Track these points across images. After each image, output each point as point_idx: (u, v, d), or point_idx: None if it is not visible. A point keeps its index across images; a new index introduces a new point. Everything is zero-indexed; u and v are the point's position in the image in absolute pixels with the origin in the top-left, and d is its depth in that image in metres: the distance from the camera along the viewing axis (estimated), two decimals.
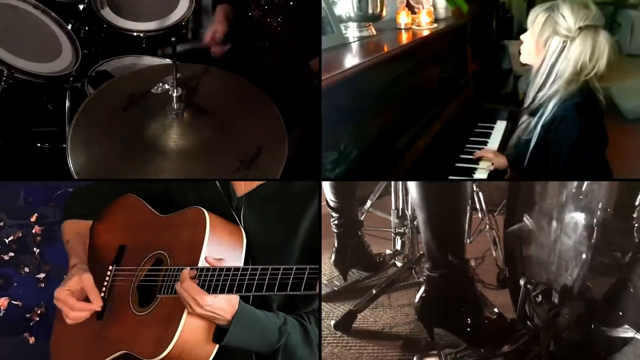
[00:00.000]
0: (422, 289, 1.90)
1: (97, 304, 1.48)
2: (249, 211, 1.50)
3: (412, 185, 1.87)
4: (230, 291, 1.32)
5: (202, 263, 1.40)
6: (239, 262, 1.45)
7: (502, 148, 2.28)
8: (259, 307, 1.43)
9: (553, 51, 1.69)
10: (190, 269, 1.36)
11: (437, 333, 2.02)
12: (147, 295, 1.48)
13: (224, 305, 1.34)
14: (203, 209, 1.46)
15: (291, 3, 2.18)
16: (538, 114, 1.72)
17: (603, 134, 1.74)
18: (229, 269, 1.34)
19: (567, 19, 1.66)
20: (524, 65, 1.86)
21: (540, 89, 1.73)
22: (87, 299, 1.49)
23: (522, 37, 1.80)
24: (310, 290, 1.24)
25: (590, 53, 1.65)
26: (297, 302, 1.48)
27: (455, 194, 1.86)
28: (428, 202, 1.83)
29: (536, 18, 1.72)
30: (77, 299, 1.48)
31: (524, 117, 1.80)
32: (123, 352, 1.44)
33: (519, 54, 1.85)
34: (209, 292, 1.33)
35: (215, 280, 1.34)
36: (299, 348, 1.42)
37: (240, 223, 1.49)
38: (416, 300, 1.95)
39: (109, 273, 1.57)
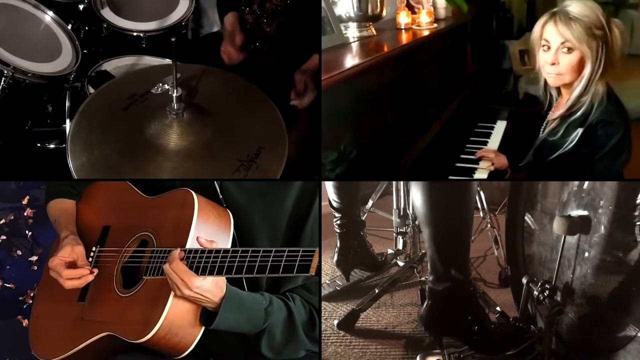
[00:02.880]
0: (427, 302, 1.90)
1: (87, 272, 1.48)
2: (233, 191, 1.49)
3: (418, 200, 1.85)
4: (219, 273, 1.30)
5: (190, 245, 1.38)
6: (227, 243, 1.44)
7: (502, 148, 2.28)
8: (250, 287, 1.43)
9: (595, 55, 1.66)
10: (180, 250, 1.34)
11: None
12: (131, 277, 1.47)
13: (212, 287, 1.33)
14: (190, 190, 1.46)
15: (281, 8, 2.17)
16: (579, 117, 1.69)
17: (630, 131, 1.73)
18: (218, 251, 1.32)
19: (596, 18, 1.65)
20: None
21: (583, 94, 1.68)
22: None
23: (553, 58, 1.68)
24: (303, 272, 1.22)
25: (621, 42, 1.67)
26: (281, 280, 1.47)
27: (463, 212, 1.86)
28: (435, 219, 1.83)
29: (570, 32, 1.65)
30: (69, 268, 1.48)
31: (557, 121, 1.76)
32: (106, 333, 1.42)
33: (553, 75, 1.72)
34: (198, 274, 1.31)
35: (204, 261, 1.32)
36: (280, 329, 1.41)
37: (224, 204, 1.49)
38: (421, 312, 1.95)
39: (92, 254, 1.55)
